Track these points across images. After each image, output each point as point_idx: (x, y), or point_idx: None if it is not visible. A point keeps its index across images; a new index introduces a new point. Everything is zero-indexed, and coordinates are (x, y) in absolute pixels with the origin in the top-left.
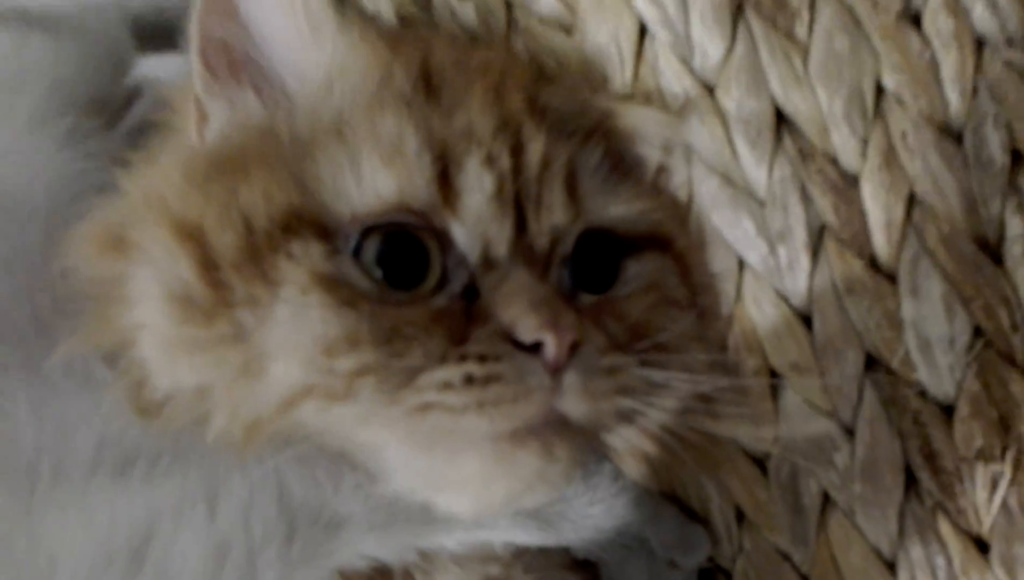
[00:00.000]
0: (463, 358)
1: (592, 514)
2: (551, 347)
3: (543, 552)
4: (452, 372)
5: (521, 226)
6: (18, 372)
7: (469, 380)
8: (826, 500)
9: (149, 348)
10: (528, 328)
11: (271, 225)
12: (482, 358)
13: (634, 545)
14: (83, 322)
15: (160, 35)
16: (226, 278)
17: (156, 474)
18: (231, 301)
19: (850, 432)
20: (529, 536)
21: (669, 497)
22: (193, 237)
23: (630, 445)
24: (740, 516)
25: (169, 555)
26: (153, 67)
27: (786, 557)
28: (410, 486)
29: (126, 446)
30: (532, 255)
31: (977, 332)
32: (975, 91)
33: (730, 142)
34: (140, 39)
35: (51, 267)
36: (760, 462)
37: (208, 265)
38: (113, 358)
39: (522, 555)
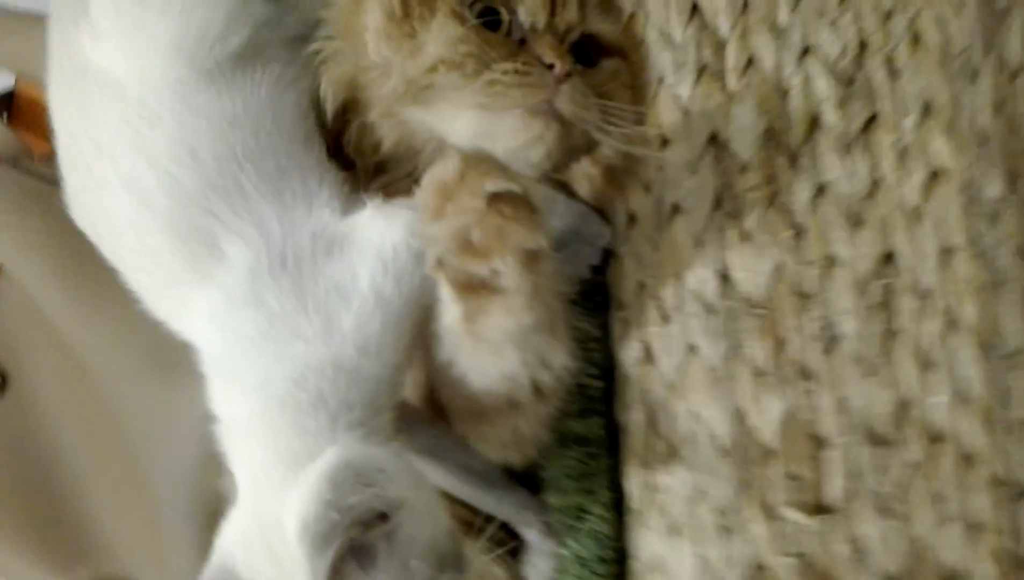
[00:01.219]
0: (515, 62)
1: (551, 213)
2: (559, 66)
3: None
4: (509, 66)
5: (555, 16)
6: (268, 200)
7: (516, 72)
8: (675, 209)
9: (370, 37)
10: (549, 55)
11: None
12: (524, 64)
13: (569, 233)
14: (338, 52)
15: None
16: (412, 6)
17: (343, 245)
18: (412, 16)
19: (694, 172)
20: None
21: (594, 207)
22: None
23: (584, 171)
24: (631, 217)
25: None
26: None
27: (650, 240)
28: (474, 139)
29: (328, 235)
30: (556, 34)
31: (767, 133)
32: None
33: (667, 14)
34: None
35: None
36: (646, 188)
37: (406, 5)
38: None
39: None
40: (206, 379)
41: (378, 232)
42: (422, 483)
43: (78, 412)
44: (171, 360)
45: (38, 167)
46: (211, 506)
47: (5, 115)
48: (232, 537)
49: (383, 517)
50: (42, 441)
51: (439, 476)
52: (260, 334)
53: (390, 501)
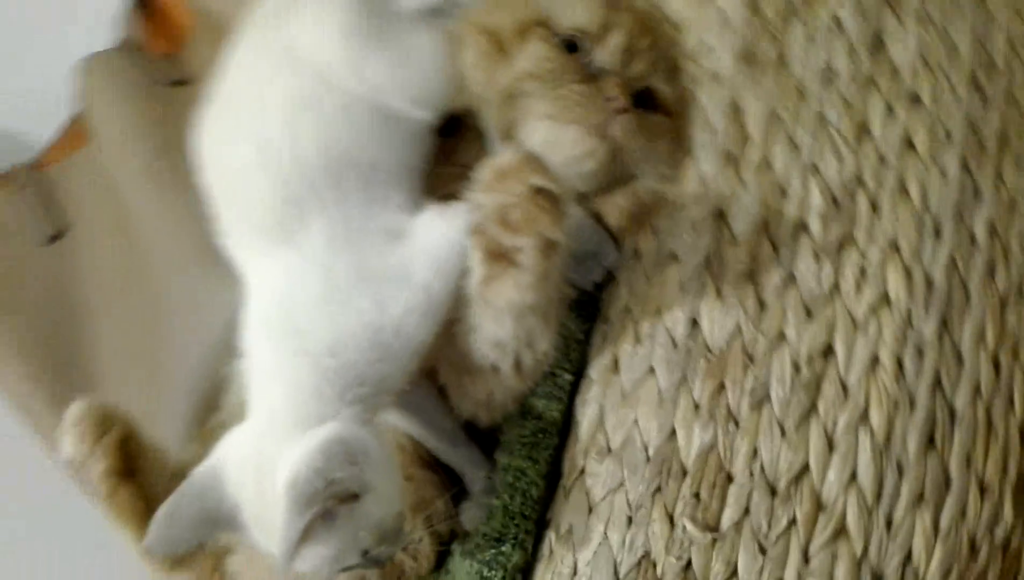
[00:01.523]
0: (586, 86)
1: (580, 230)
2: (619, 100)
3: None
4: (579, 88)
5: (626, 65)
6: (359, 194)
7: (583, 94)
8: (672, 256)
9: (468, 73)
10: (613, 90)
11: (530, 19)
12: (592, 92)
13: (588, 250)
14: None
15: None
16: (507, 44)
17: (405, 238)
18: (505, 50)
19: (696, 232)
20: None
21: (612, 235)
22: (489, 33)
23: (616, 203)
24: (637, 252)
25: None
26: None
27: (645, 275)
28: (542, 147)
29: (395, 229)
30: (624, 78)
31: (762, 222)
32: None
33: (713, 104)
34: None
35: None
36: (655, 232)
37: (498, 42)
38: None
39: None
40: (247, 318)
41: (438, 232)
42: (393, 471)
43: (119, 277)
44: (218, 263)
45: (155, 63)
46: (210, 390)
47: (141, 11)
48: (232, 452)
49: (355, 496)
50: (79, 291)
51: (413, 428)
52: (320, 297)
53: (365, 484)
